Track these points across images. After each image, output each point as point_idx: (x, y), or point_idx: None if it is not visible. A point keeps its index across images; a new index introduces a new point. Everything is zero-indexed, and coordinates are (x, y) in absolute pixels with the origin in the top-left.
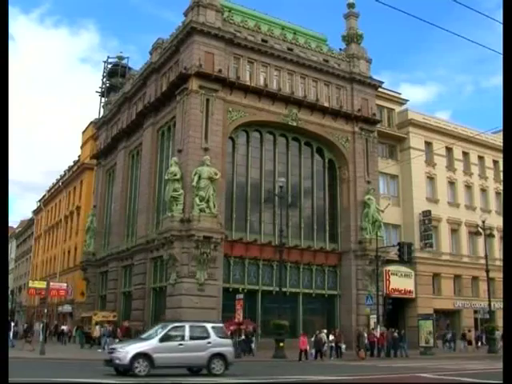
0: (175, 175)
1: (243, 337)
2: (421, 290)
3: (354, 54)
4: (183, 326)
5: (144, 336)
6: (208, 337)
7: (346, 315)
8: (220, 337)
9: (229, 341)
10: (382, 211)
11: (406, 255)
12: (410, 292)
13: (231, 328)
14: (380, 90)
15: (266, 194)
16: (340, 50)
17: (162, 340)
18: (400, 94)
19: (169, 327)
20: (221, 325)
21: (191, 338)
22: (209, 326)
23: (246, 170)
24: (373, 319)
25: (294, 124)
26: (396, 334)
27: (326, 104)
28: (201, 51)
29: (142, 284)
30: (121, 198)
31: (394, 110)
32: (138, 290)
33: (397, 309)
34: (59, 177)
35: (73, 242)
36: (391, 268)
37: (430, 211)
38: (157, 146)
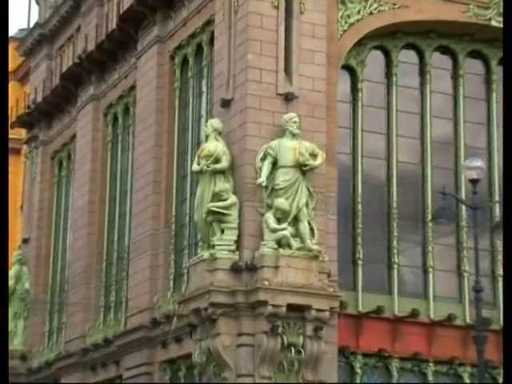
0: (217, 160)
1: None
2: None
3: None
4: None
5: None
6: None
7: None
8: None
9: None
10: None
11: None
12: None
13: None
14: None
15: (437, 203)
16: None
17: None
18: None
19: None
20: None
21: None
22: None
23: (386, 144)
24: None
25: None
26: None
27: None
28: None
29: None
30: (88, 218)
31: None
32: None
33: None
34: None
35: None
36: None
37: None
38: (171, 93)
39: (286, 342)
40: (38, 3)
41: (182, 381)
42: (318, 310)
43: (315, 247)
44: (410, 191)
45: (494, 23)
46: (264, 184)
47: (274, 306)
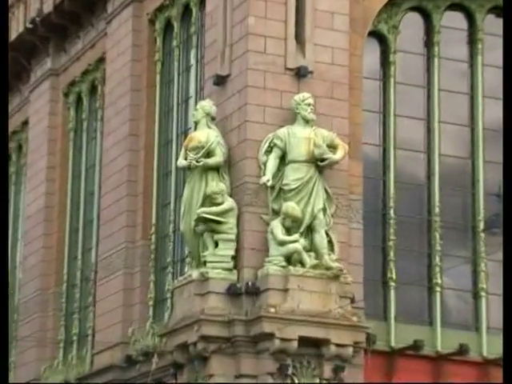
0: (209, 154)
1: None
2: None
3: None
4: None
5: None
6: None
7: None
8: None
9: None
10: None
11: None
12: None
13: None
14: None
15: (492, 207)
16: None
17: None
18: None
19: None
20: None
21: None
22: None
23: (425, 133)
24: None
25: None
26: None
27: None
28: None
29: None
30: (44, 228)
31: None
32: None
33: None
34: None
35: None
36: None
37: None
38: (150, 68)
39: None
40: None
41: None
42: (339, 346)
43: (335, 265)
44: (457, 193)
45: None
46: (269, 184)
47: (282, 339)
